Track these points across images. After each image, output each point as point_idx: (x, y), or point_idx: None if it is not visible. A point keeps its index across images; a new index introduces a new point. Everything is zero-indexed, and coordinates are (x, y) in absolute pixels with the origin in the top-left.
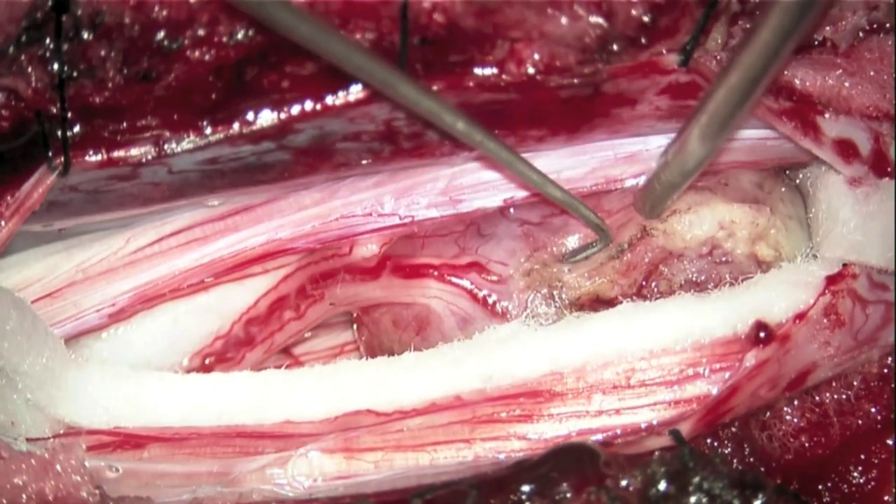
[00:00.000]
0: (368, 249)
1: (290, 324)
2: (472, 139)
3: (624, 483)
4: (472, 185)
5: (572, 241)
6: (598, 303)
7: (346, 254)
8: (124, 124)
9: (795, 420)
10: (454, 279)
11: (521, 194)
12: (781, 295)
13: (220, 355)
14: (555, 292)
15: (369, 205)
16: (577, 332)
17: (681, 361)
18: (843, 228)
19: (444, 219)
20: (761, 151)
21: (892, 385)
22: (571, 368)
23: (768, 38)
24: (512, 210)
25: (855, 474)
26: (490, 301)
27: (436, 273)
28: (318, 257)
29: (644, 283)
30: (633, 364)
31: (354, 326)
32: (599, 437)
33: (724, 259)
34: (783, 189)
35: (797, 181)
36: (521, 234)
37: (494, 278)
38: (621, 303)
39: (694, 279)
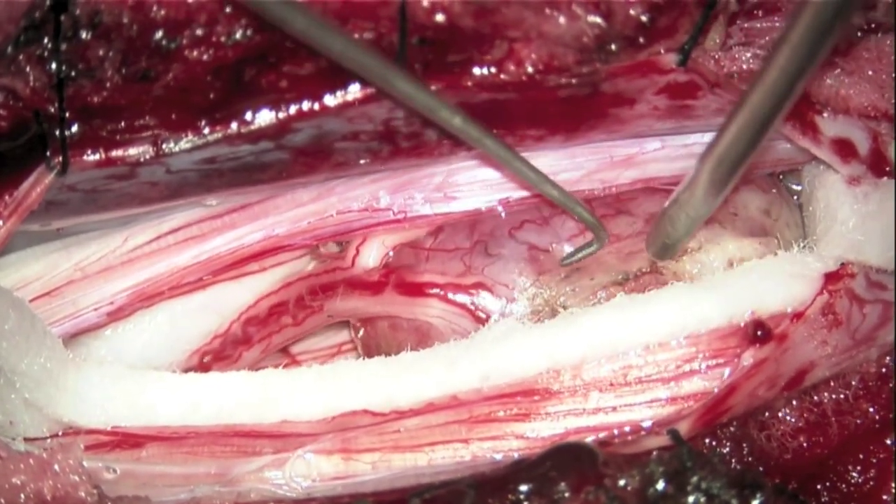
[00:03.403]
0: (371, 259)
1: (287, 328)
2: (469, 135)
3: (622, 483)
4: (468, 182)
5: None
6: None
7: (349, 267)
8: (122, 124)
9: (794, 420)
10: (458, 300)
11: (517, 195)
12: (778, 286)
13: (218, 353)
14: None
15: (365, 201)
16: (573, 328)
17: (677, 357)
18: (842, 227)
19: (438, 217)
20: (761, 153)
21: (891, 384)
22: (568, 366)
23: (776, 76)
24: (520, 230)
25: (853, 474)
26: None
27: (440, 292)
28: (319, 269)
29: None
30: (629, 360)
31: (351, 328)
32: (597, 435)
33: None
34: (789, 212)
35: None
36: (527, 257)
37: (499, 302)
38: None
39: None
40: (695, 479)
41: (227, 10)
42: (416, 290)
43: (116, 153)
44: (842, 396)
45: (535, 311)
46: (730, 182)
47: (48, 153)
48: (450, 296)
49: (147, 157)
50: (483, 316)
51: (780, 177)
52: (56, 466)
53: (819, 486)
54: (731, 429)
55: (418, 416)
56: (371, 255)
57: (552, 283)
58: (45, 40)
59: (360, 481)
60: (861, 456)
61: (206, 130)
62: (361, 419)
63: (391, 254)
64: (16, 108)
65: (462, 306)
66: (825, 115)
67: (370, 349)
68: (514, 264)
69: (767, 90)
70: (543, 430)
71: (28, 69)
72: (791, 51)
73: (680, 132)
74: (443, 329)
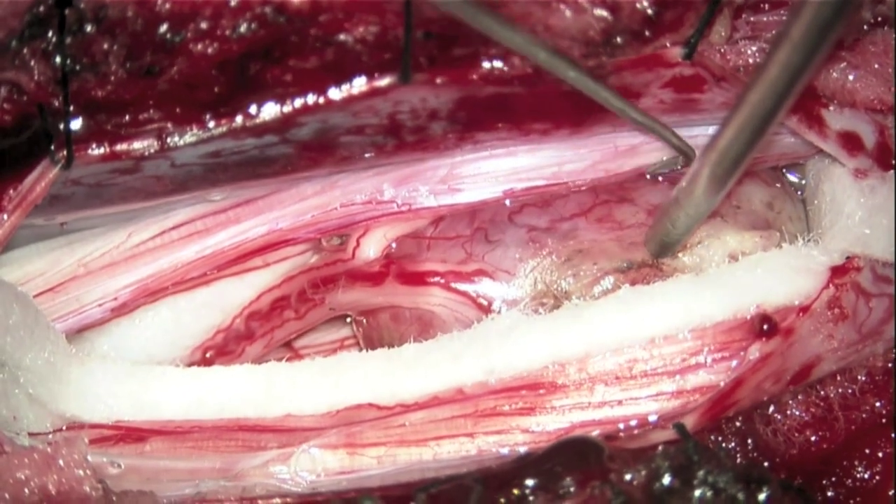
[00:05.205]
0: (372, 251)
1: (289, 322)
2: (556, 69)
3: (628, 477)
4: (472, 175)
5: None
6: None
7: (350, 258)
8: (127, 118)
9: (800, 414)
10: (460, 287)
11: (521, 185)
12: (783, 279)
13: (221, 348)
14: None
15: (369, 193)
16: (578, 321)
17: (682, 350)
18: (848, 221)
19: (443, 209)
20: (764, 147)
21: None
22: (573, 359)
23: (777, 73)
24: (520, 214)
25: (860, 469)
26: (495, 311)
27: (441, 280)
28: (320, 262)
29: None
30: (634, 354)
31: (353, 323)
32: (602, 429)
33: None
34: (792, 206)
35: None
36: (527, 239)
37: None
38: None
39: None
40: (701, 473)
41: (232, 4)
42: (418, 280)
43: (121, 147)
44: (848, 391)
45: (536, 296)
46: (730, 180)
47: (52, 147)
48: (451, 284)
49: (152, 151)
50: (485, 303)
51: (784, 170)
52: (60, 461)
53: (825, 481)
54: (737, 424)
55: (423, 410)
56: (372, 247)
57: (553, 266)
58: (50, 34)
59: (366, 476)
60: (867, 451)
61: (211, 124)
62: (367, 413)
63: (393, 245)
64: (20, 103)
65: (464, 294)
66: (831, 108)
67: (372, 342)
68: (515, 249)
69: (767, 88)
70: (549, 424)
71: (32, 63)
72: (792, 48)
73: (685, 125)
74: (445, 318)
